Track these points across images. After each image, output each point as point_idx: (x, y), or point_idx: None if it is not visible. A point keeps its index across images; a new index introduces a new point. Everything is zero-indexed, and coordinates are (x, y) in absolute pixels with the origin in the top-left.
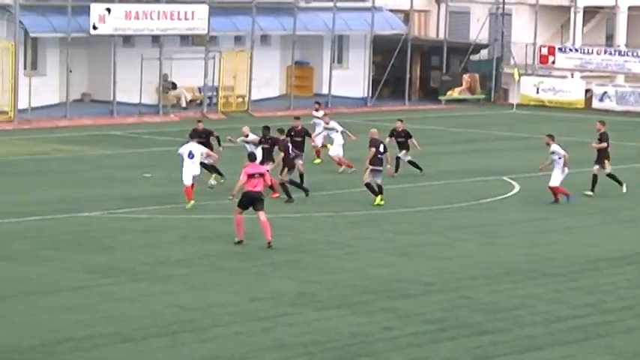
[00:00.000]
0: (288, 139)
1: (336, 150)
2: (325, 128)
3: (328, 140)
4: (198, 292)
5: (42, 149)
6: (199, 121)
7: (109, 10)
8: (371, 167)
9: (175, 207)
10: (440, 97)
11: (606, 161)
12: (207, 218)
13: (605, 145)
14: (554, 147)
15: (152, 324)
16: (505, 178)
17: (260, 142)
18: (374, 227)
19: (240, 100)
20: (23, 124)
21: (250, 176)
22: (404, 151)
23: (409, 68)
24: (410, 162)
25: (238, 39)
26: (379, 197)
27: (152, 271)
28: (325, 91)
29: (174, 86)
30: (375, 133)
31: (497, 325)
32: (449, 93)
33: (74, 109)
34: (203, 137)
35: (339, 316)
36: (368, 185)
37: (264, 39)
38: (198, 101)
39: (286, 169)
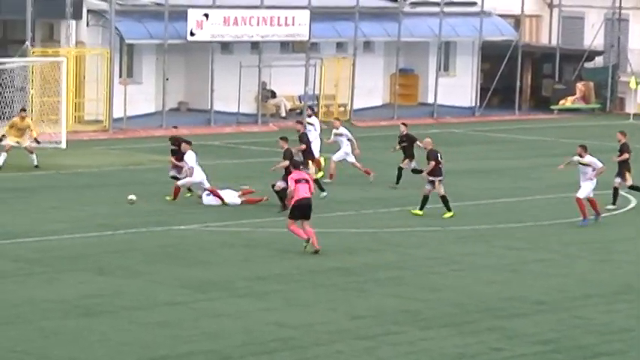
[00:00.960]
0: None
1: (340, 156)
2: (335, 134)
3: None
4: (298, 309)
5: (137, 160)
6: (175, 127)
7: (206, 15)
8: (430, 178)
9: (274, 220)
10: (552, 107)
11: (627, 173)
12: None
13: (626, 156)
14: (588, 159)
15: (250, 341)
16: (621, 192)
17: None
18: (481, 243)
19: (341, 109)
20: (118, 134)
21: (297, 182)
22: (407, 160)
23: (519, 76)
24: (414, 170)
25: (340, 45)
26: (450, 212)
27: (250, 286)
28: (431, 99)
29: (273, 95)
30: (429, 142)
31: (612, 346)
32: (561, 102)
33: (170, 118)
34: (176, 145)
35: (444, 335)
36: (426, 197)
37: (367, 45)
38: (298, 110)
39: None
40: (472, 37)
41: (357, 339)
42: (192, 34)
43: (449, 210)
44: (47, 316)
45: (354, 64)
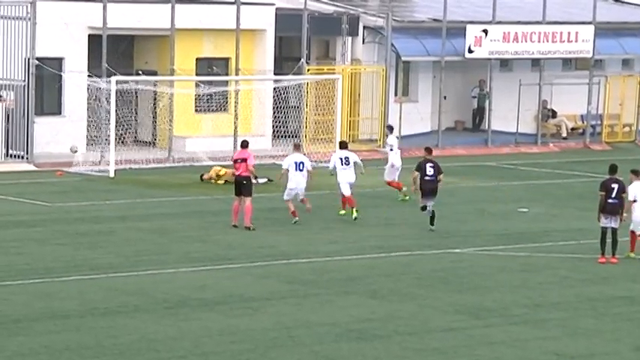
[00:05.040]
0: None
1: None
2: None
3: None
4: (578, 338)
5: (411, 180)
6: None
7: (485, 31)
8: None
9: (553, 245)
10: None
11: None
12: (587, 258)
13: None
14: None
15: None
16: None
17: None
18: None
19: (626, 129)
20: None
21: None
22: None
23: None
24: None
25: (626, 62)
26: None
27: (528, 313)
28: None
29: (553, 114)
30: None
31: None
32: None
33: (446, 137)
34: None
35: None
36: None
37: None
38: (580, 130)
39: None
40: None
41: None
42: (470, 50)
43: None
44: (321, 339)
45: None
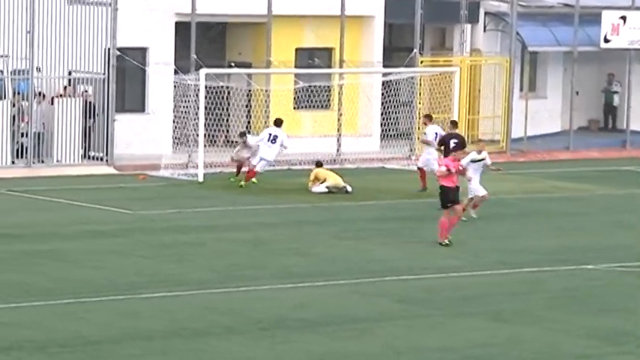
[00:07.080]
0: None
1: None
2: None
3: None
4: None
5: (539, 186)
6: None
7: (624, 18)
8: None
9: None
10: None
11: None
12: None
13: None
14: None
15: None
16: None
17: None
18: None
19: None
20: (517, 157)
21: None
22: None
23: None
24: None
25: None
26: None
27: None
28: None
29: None
30: None
31: None
32: None
33: (579, 138)
34: None
35: None
36: None
37: None
38: None
39: None
40: None
41: None
42: (606, 40)
43: None
44: None
45: None
